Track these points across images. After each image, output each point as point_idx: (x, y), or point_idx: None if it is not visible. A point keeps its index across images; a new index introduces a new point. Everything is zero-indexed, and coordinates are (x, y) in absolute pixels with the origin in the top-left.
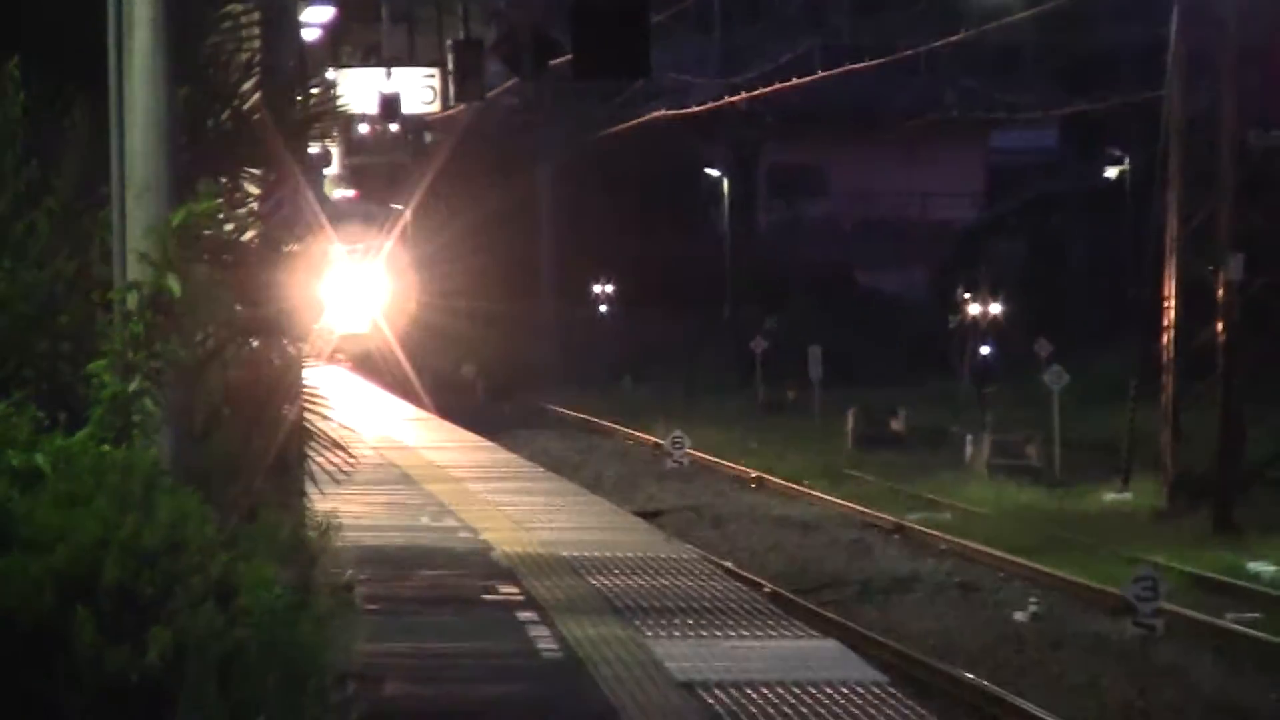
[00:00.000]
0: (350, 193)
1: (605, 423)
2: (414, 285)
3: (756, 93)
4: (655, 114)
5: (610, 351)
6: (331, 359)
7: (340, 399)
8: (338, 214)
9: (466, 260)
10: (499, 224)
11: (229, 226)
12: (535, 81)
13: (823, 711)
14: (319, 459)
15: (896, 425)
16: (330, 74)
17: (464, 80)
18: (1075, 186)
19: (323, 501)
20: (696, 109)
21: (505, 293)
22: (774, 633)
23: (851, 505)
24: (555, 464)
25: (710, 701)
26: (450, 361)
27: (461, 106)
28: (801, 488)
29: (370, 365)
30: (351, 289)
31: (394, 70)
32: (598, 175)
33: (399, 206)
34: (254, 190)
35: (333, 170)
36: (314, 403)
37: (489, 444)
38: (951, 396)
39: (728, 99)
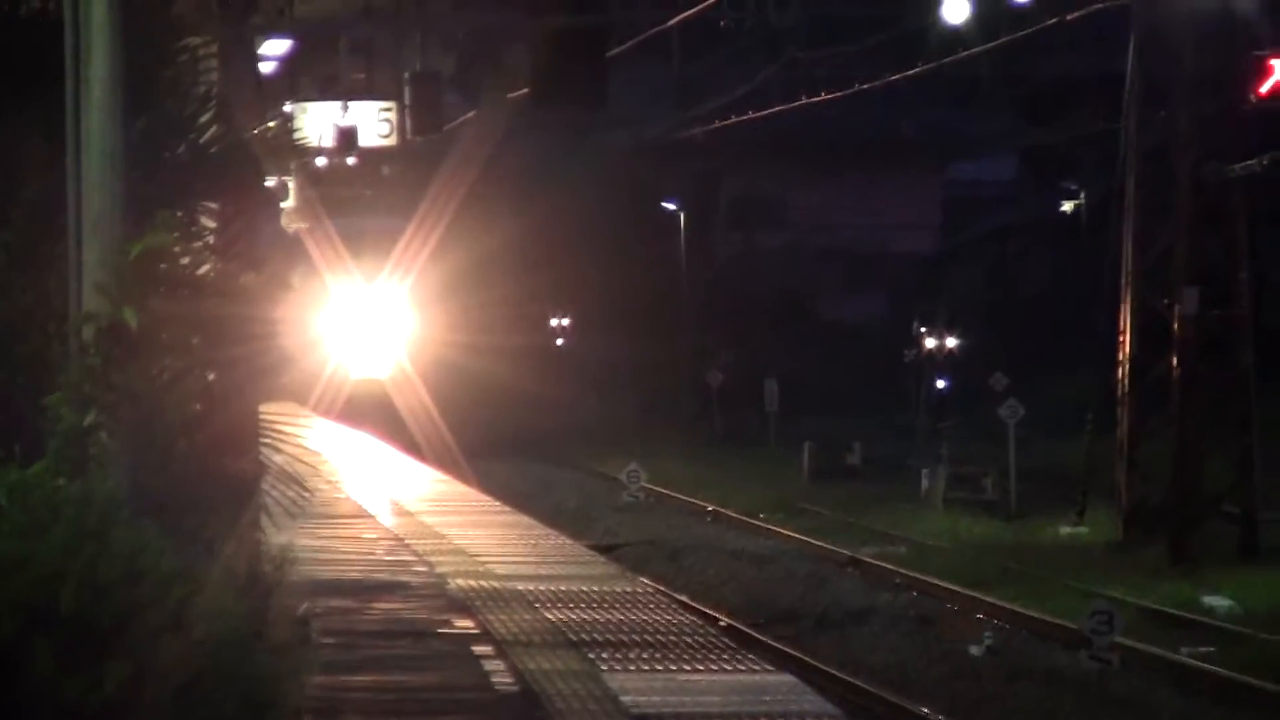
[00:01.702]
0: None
1: (562, 454)
2: (436, 320)
3: (714, 125)
4: (614, 145)
5: (568, 382)
6: (329, 410)
7: (303, 436)
8: (360, 238)
9: (463, 294)
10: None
11: (185, 260)
12: (492, 113)
13: None
14: (275, 493)
15: (852, 459)
16: (288, 107)
17: (421, 113)
18: (1034, 217)
19: (279, 535)
20: (654, 143)
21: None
22: (729, 666)
23: (807, 539)
24: (512, 496)
25: None
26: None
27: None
28: (757, 521)
29: (373, 414)
30: (370, 326)
31: (351, 103)
32: (555, 205)
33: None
34: (211, 224)
35: (290, 203)
36: (272, 437)
37: (445, 477)
38: (908, 428)
39: (685, 133)
